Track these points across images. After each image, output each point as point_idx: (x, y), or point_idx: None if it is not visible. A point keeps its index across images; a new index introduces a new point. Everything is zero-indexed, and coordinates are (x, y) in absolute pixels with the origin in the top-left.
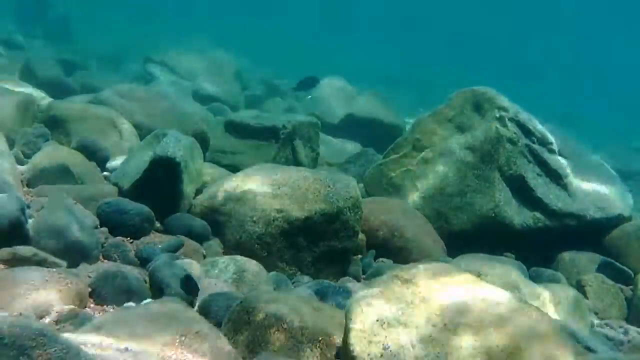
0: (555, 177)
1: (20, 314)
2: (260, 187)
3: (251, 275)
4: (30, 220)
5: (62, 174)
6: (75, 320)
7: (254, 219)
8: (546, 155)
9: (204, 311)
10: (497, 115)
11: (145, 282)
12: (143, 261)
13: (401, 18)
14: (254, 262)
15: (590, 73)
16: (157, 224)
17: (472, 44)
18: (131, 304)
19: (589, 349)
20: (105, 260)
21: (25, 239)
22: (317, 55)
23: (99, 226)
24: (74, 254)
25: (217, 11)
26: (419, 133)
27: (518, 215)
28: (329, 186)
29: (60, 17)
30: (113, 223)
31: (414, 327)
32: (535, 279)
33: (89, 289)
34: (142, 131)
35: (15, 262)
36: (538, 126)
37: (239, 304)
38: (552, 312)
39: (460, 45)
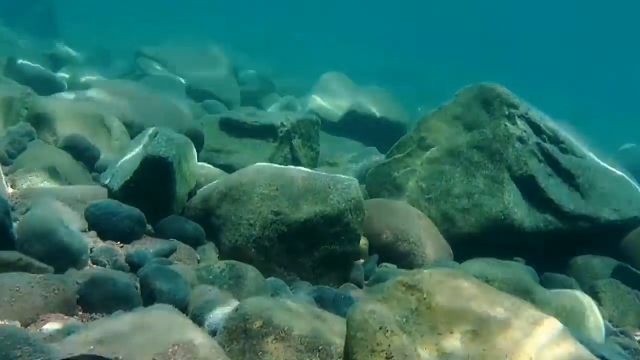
0: (568, 177)
1: (5, 321)
2: (257, 188)
3: (247, 281)
4: (14, 224)
5: (48, 175)
6: (63, 328)
7: (251, 221)
8: (558, 154)
9: (198, 319)
10: (506, 112)
11: (136, 289)
12: (134, 266)
13: (402, 11)
14: (250, 267)
15: (600, 70)
16: (149, 227)
17: (477, 39)
18: (121, 311)
19: (603, 359)
20: (94, 266)
21: (9, 243)
22: (317, 49)
23: (87, 229)
24: (61, 259)
25: (213, 4)
26: (424, 131)
27: (528, 218)
28: (330, 187)
29: (45, 10)
30: (102, 226)
31: (419, 336)
32: (547, 284)
33: (77, 296)
34: (133, 129)
35: None
36: (549, 124)
37: (235, 311)
38: (564, 319)
39: (464, 40)
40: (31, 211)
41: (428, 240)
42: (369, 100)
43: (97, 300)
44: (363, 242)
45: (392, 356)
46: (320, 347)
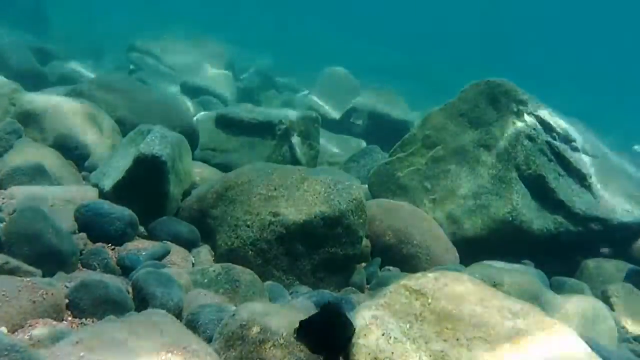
0: (579, 177)
1: None
2: (254, 188)
3: (245, 285)
4: (1, 225)
5: (36, 174)
6: (51, 334)
7: (248, 223)
8: (569, 153)
9: (193, 325)
10: (515, 109)
11: (128, 293)
12: (125, 270)
13: (407, 5)
14: (247, 270)
15: (613, 65)
16: (141, 229)
17: (484, 33)
18: (112, 316)
19: None
20: (84, 269)
21: None
22: (317, 43)
23: (77, 231)
24: (49, 262)
25: None
26: (429, 129)
27: (537, 219)
28: (330, 187)
29: (35, 2)
30: (92, 228)
31: (424, 342)
32: (557, 288)
33: (66, 300)
34: (125, 127)
35: None
36: (560, 121)
37: (231, 316)
38: (574, 325)
39: (472, 35)
40: (19, 212)
41: (433, 242)
42: (372, 96)
43: (87, 305)
44: (365, 244)
45: None
46: None
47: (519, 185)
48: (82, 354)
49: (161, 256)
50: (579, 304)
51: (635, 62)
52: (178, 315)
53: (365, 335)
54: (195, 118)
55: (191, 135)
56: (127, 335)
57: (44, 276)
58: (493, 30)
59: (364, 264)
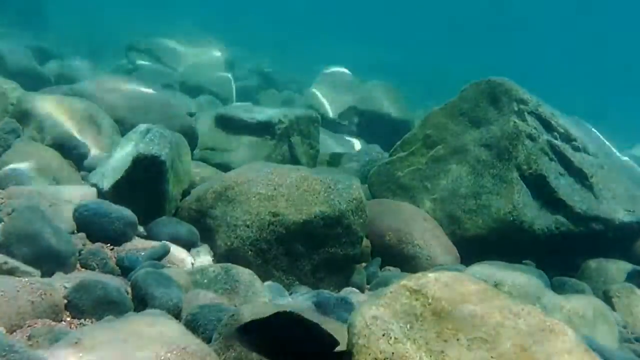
0: (580, 176)
1: None
2: (253, 188)
3: (244, 285)
4: None
5: (35, 174)
6: (50, 335)
7: (247, 223)
8: (570, 152)
9: (192, 325)
10: (516, 108)
11: (127, 293)
12: (124, 270)
13: (408, 3)
14: (247, 270)
15: (613, 67)
16: (140, 229)
17: (486, 32)
18: (111, 317)
19: None
20: (83, 269)
21: None
22: (317, 42)
23: (76, 231)
24: (48, 262)
25: None
26: (430, 128)
27: (538, 219)
28: (330, 187)
29: (33, 1)
30: (91, 228)
31: (424, 343)
32: (558, 289)
33: (65, 301)
34: (124, 126)
35: None
36: (561, 121)
37: (231, 317)
38: (576, 325)
39: (473, 33)
40: (17, 212)
41: (433, 242)
42: (372, 95)
43: (86, 305)
44: (365, 244)
45: None
46: None
47: (520, 185)
48: (81, 354)
49: (160, 256)
50: (580, 304)
51: (637, 61)
52: (177, 315)
53: (365, 335)
54: (194, 118)
55: (190, 134)
56: (126, 336)
57: (42, 276)
58: (494, 29)
59: (364, 264)
